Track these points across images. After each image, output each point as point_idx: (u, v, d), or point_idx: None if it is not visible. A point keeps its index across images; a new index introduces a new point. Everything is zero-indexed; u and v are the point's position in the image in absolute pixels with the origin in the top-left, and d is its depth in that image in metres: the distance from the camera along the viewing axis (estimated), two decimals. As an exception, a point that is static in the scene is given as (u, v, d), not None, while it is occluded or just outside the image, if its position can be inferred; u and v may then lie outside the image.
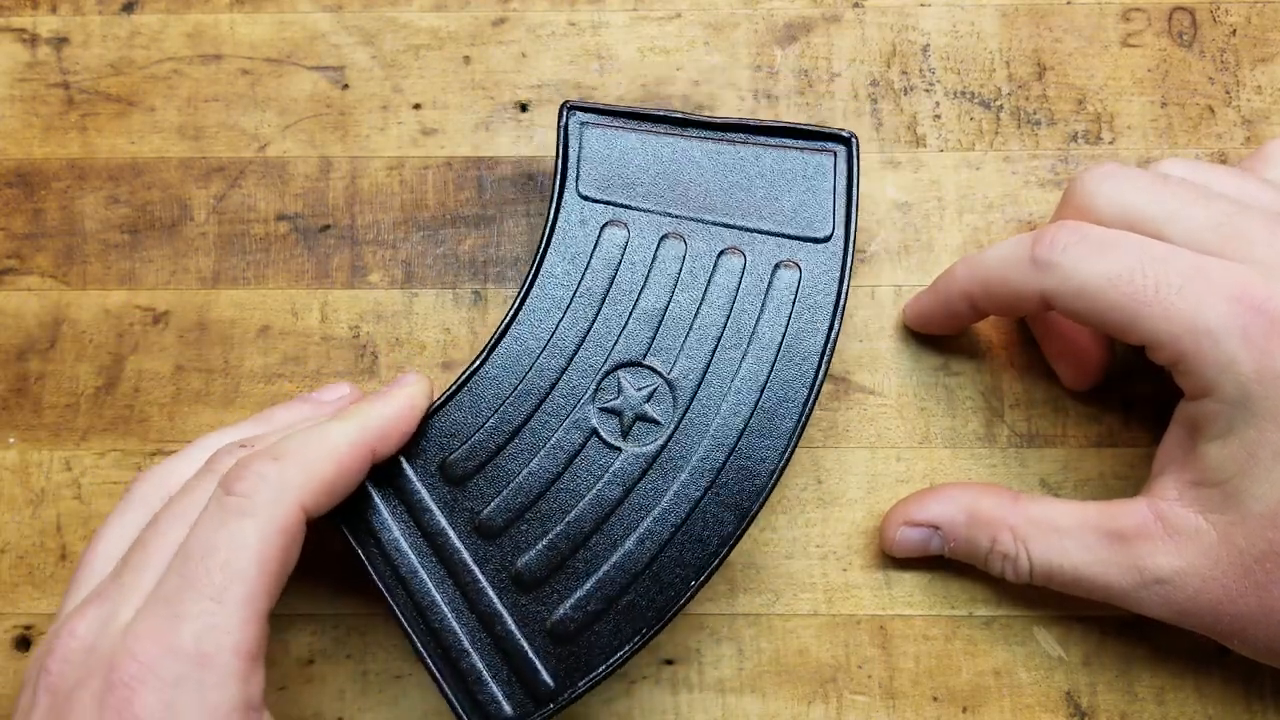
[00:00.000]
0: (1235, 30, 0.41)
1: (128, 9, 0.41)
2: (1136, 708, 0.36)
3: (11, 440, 0.38)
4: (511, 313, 0.34)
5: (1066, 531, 0.33)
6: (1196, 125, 0.40)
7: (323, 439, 0.30)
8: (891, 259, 0.39)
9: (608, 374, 0.34)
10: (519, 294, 0.34)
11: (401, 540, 0.33)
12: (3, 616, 0.37)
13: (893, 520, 0.36)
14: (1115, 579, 0.32)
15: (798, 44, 0.41)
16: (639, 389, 0.34)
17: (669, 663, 0.37)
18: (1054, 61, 0.41)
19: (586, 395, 0.34)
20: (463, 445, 0.33)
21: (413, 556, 0.33)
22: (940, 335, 0.38)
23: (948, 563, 0.37)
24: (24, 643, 0.37)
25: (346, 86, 0.41)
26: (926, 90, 0.40)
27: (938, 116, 0.40)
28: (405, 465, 0.33)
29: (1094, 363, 0.37)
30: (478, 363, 0.34)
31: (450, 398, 0.34)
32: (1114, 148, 0.40)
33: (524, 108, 0.40)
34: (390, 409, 0.32)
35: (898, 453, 0.38)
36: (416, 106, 0.40)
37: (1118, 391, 0.38)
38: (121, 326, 0.39)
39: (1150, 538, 0.32)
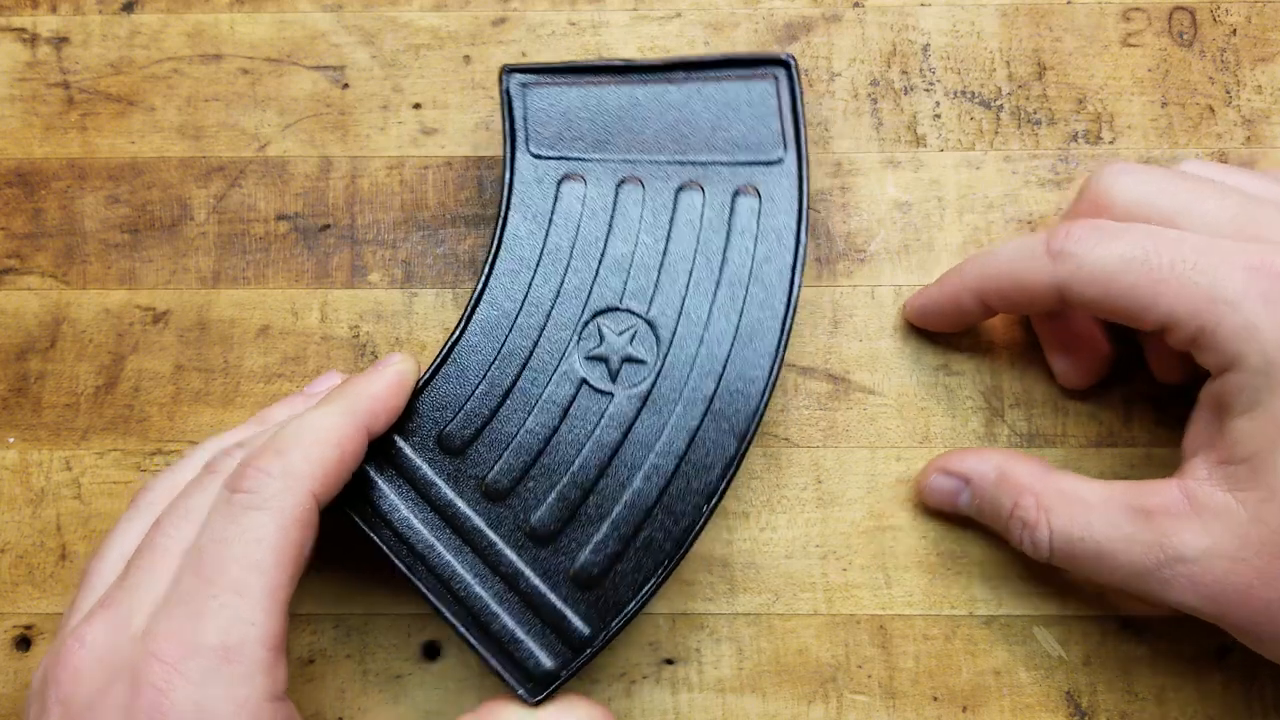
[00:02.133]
0: (1235, 30, 0.41)
1: (128, 8, 0.41)
2: (1136, 708, 0.36)
3: (11, 440, 0.38)
4: (484, 279, 0.34)
5: (1092, 506, 0.32)
6: (1197, 125, 0.40)
7: (318, 425, 0.30)
8: (891, 259, 0.39)
9: (587, 323, 0.34)
10: (487, 259, 0.35)
11: (412, 518, 0.33)
12: (3, 616, 0.37)
13: (929, 467, 0.36)
14: (1138, 556, 0.31)
15: (798, 43, 0.41)
16: (620, 332, 0.34)
17: (669, 662, 0.37)
18: (1054, 61, 0.41)
19: (570, 347, 0.34)
20: (456, 415, 0.34)
21: (426, 532, 0.33)
22: (940, 333, 0.38)
23: (948, 562, 0.37)
24: (24, 642, 0.37)
25: (346, 86, 0.41)
26: (927, 90, 0.40)
27: (938, 116, 0.40)
28: (403, 444, 0.33)
29: (1097, 360, 0.37)
30: (458, 333, 0.34)
31: (436, 370, 0.34)
32: (1114, 147, 0.40)
33: (524, 107, 0.40)
34: (377, 386, 0.32)
35: (898, 453, 0.38)
36: (416, 106, 0.40)
37: (1118, 391, 0.38)
38: (121, 326, 0.39)
39: (1177, 515, 0.31)
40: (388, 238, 0.39)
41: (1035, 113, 0.40)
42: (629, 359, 0.34)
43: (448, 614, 0.32)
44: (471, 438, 0.34)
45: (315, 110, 0.40)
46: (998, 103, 0.40)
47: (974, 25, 0.41)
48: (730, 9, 0.41)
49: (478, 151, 0.40)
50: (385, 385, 0.32)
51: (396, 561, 0.33)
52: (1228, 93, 0.40)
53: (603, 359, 0.34)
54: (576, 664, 0.32)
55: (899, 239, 0.39)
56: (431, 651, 0.37)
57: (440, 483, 0.33)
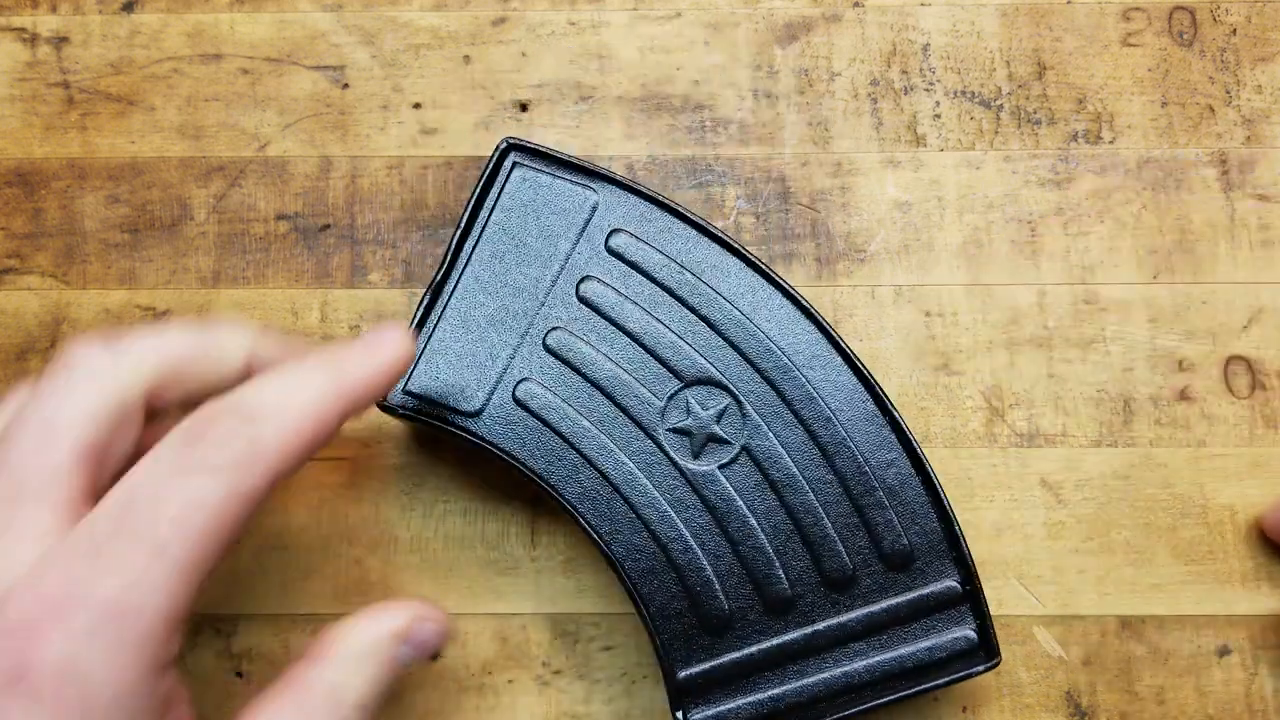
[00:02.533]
0: (1235, 30, 0.41)
1: (128, 8, 0.41)
2: (1136, 707, 0.36)
3: (11, 440, 0.38)
4: (579, 516, 0.34)
5: None
6: (1197, 125, 0.40)
7: (300, 398, 0.26)
8: (891, 259, 0.39)
9: (657, 440, 0.34)
10: (564, 504, 0.34)
11: (779, 690, 0.33)
12: (3, 616, 0.37)
13: None
14: None
15: (798, 43, 0.41)
16: (688, 414, 0.34)
17: (669, 662, 0.37)
18: (1054, 61, 0.41)
19: (675, 461, 0.34)
20: (694, 606, 0.33)
21: (798, 685, 0.33)
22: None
23: (948, 562, 0.37)
24: (24, 642, 0.37)
25: (346, 86, 0.41)
26: (927, 90, 0.40)
27: (938, 116, 0.40)
28: (711, 664, 0.33)
29: None
30: (623, 582, 0.33)
31: (652, 628, 0.33)
32: (1114, 147, 0.40)
33: (524, 107, 0.40)
34: (370, 366, 0.28)
35: (898, 452, 0.38)
36: (416, 106, 0.40)
37: (1118, 391, 0.38)
38: (122, 326, 0.39)
39: None
40: (388, 237, 0.40)
41: (1035, 112, 0.40)
42: (719, 416, 0.34)
43: (885, 700, 0.32)
44: (722, 597, 0.33)
45: (315, 110, 0.40)
46: (998, 102, 0.40)
47: (974, 25, 0.41)
48: (730, 8, 0.41)
49: (478, 151, 0.40)
50: (377, 367, 0.28)
51: None
52: (1228, 92, 0.40)
53: (703, 436, 0.34)
54: (980, 603, 0.33)
55: (899, 239, 0.39)
56: (431, 651, 0.37)
57: (754, 649, 0.33)
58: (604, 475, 0.34)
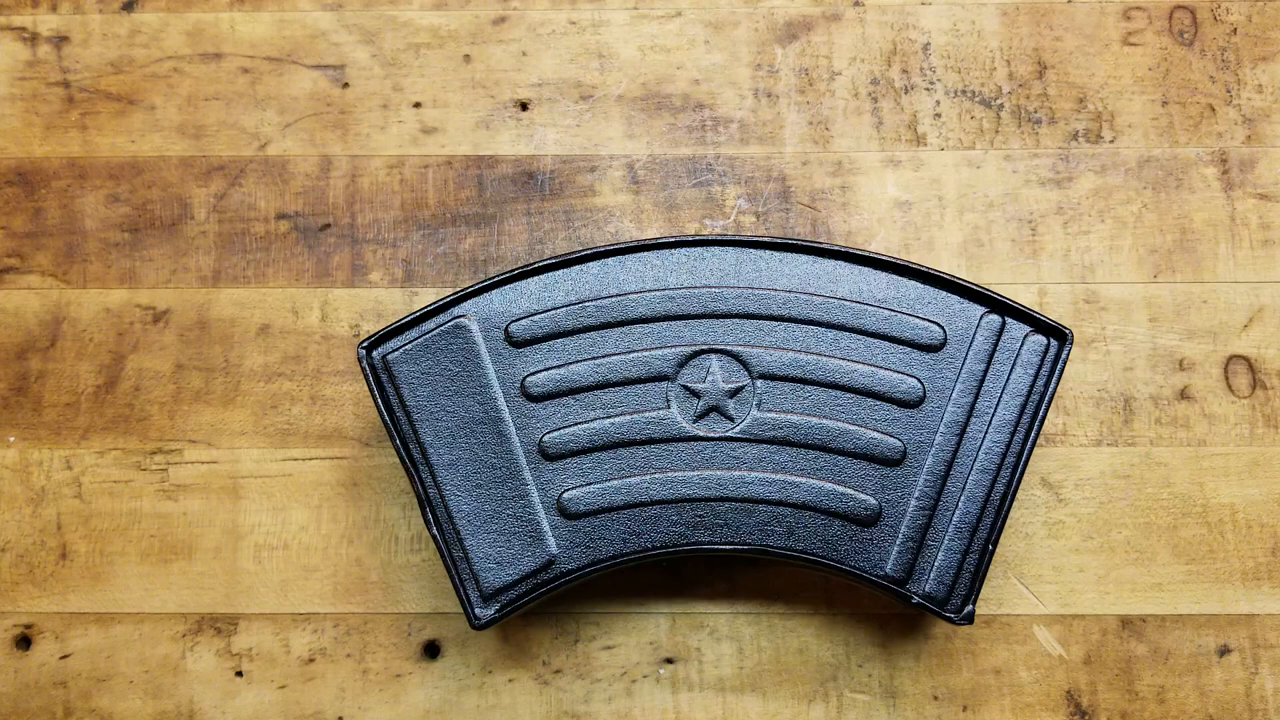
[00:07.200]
0: (1236, 29, 0.41)
1: (128, 7, 0.41)
2: (1137, 707, 0.36)
3: (12, 439, 0.38)
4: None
5: None
6: (1197, 124, 0.40)
7: None
8: (892, 258, 0.39)
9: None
10: None
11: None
12: (3, 615, 0.37)
13: None
14: None
15: (798, 42, 0.41)
16: (701, 381, 0.35)
17: (669, 661, 0.37)
18: (1055, 60, 0.41)
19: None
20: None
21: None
22: None
23: (948, 562, 0.37)
24: (24, 641, 0.37)
25: (347, 85, 0.41)
26: (927, 89, 0.40)
27: (938, 115, 0.40)
28: None
29: None
30: None
31: None
32: (1115, 146, 0.40)
33: (524, 106, 0.40)
34: None
35: (898, 452, 0.38)
36: (417, 105, 0.40)
37: (1118, 391, 0.38)
38: (122, 325, 0.39)
39: None
40: (388, 237, 0.39)
41: (1036, 112, 0.40)
42: (732, 392, 0.35)
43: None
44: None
45: (315, 109, 0.40)
46: (998, 102, 0.40)
47: (974, 24, 0.41)
48: (730, 8, 0.41)
49: (478, 150, 0.40)
50: None
51: None
52: (1228, 92, 0.40)
53: (708, 401, 0.35)
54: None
55: (899, 238, 0.39)
56: (432, 651, 0.37)
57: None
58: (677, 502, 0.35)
